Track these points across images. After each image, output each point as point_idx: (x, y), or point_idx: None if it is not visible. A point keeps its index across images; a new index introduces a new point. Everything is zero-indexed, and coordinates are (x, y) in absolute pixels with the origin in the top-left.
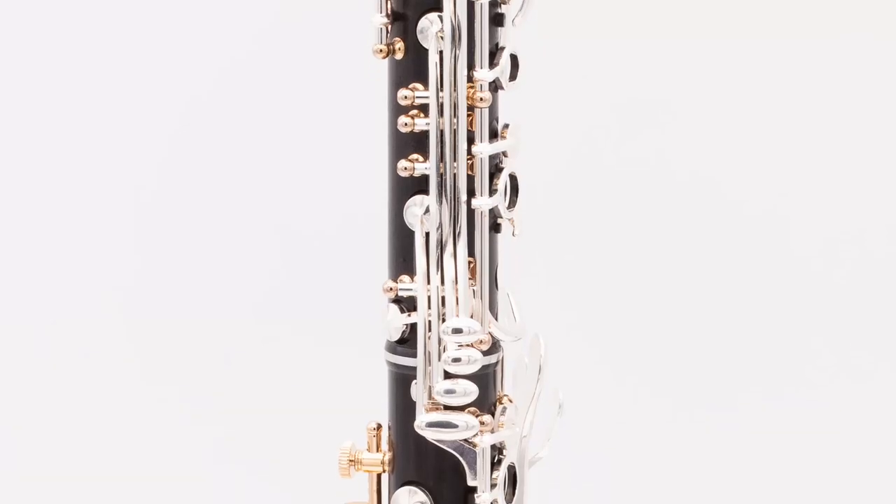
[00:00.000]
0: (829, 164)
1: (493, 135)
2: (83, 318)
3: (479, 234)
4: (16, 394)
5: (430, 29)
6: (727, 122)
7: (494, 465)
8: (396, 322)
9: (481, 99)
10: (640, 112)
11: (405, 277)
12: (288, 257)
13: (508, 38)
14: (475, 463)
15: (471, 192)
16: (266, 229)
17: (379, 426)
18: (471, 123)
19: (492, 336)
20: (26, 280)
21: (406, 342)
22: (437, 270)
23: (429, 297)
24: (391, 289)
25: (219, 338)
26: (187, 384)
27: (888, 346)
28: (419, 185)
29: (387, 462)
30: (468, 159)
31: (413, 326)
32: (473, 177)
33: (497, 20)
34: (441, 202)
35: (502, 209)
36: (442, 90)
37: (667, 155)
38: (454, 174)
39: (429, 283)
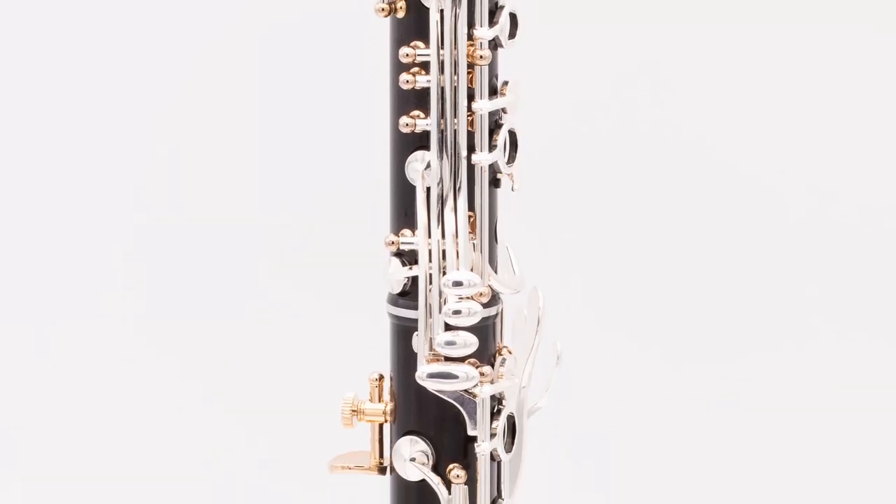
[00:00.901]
0: (824, 130)
1: (493, 92)
2: (79, 302)
3: (479, 189)
4: (15, 393)
5: None
6: (727, 80)
7: (494, 414)
8: (398, 275)
9: (481, 57)
10: (639, 70)
11: (406, 231)
12: (291, 213)
13: None
14: (475, 413)
15: (471, 148)
16: (270, 185)
17: (381, 377)
18: (471, 80)
19: (491, 289)
20: (20, 278)
21: (407, 295)
22: (438, 224)
23: (430, 251)
24: (393, 242)
25: (223, 291)
26: (193, 334)
27: (883, 303)
28: (420, 141)
29: (389, 412)
30: (468, 116)
31: (414, 279)
32: (473, 133)
33: None
34: (442, 158)
35: (502, 164)
36: (443, 48)
37: (667, 112)
38: (454, 130)
39: (430, 236)
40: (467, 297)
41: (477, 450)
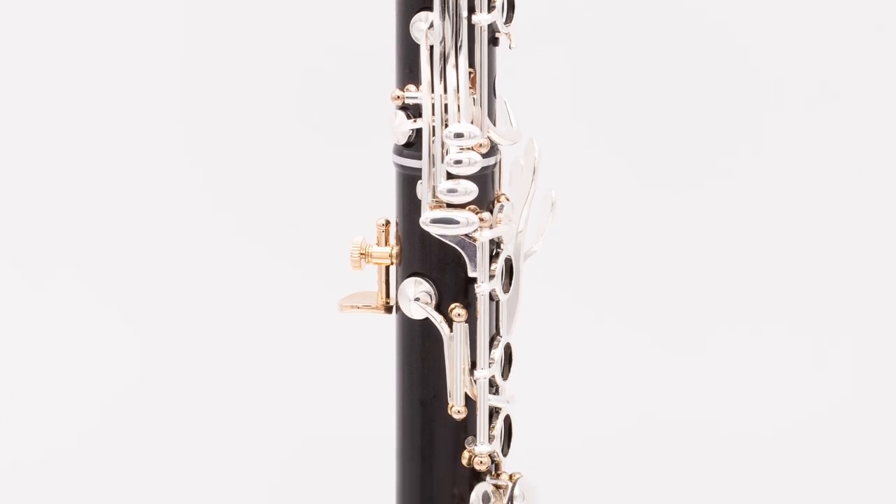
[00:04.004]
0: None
1: None
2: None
3: (479, 47)
4: (15, 391)
5: None
6: None
7: (493, 257)
8: (403, 127)
9: None
10: None
11: (411, 87)
12: (305, 71)
13: None
14: (475, 256)
15: (471, 9)
16: (288, 45)
17: (387, 222)
18: None
19: (490, 140)
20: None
21: (412, 146)
22: (441, 80)
23: (433, 105)
24: (398, 97)
25: (245, 141)
26: (213, 173)
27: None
28: (424, 3)
29: (394, 255)
30: None
31: (418, 131)
32: None
33: None
34: (444, 18)
35: (500, 24)
36: None
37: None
38: None
39: (433, 91)
40: (468, 148)
41: (477, 290)
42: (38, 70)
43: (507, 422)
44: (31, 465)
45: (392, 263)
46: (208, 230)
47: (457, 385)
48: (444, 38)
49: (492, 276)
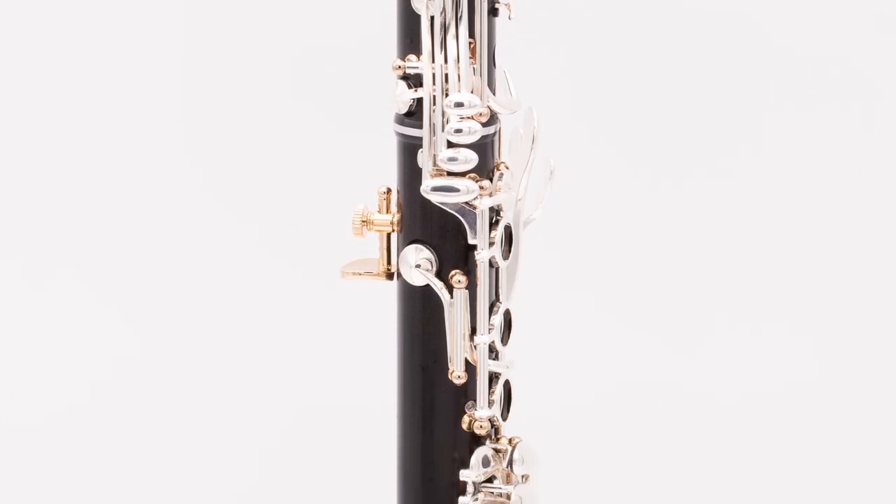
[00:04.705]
0: None
1: None
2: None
3: (479, 18)
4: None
5: None
6: None
7: (492, 225)
8: (404, 97)
9: None
10: None
11: (412, 57)
12: (304, 41)
13: None
14: (475, 223)
15: None
16: (285, 18)
17: (389, 190)
18: None
19: (490, 109)
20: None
21: (413, 115)
22: (441, 50)
23: (433, 75)
24: (400, 67)
25: (243, 115)
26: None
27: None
28: None
29: (396, 222)
30: None
31: (419, 101)
32: None
33: None
34: None
35: None
36: None
37: None
38: None
39: (433, 61)
40: (468, 117)
41: (477, 257)
42: (36, 65)
43: (507, 387)
44: (36, 439)
45: (393, 231)
46: (207, 199)
47: (457, 350)
48: (444, 9)
49: (491, 244)
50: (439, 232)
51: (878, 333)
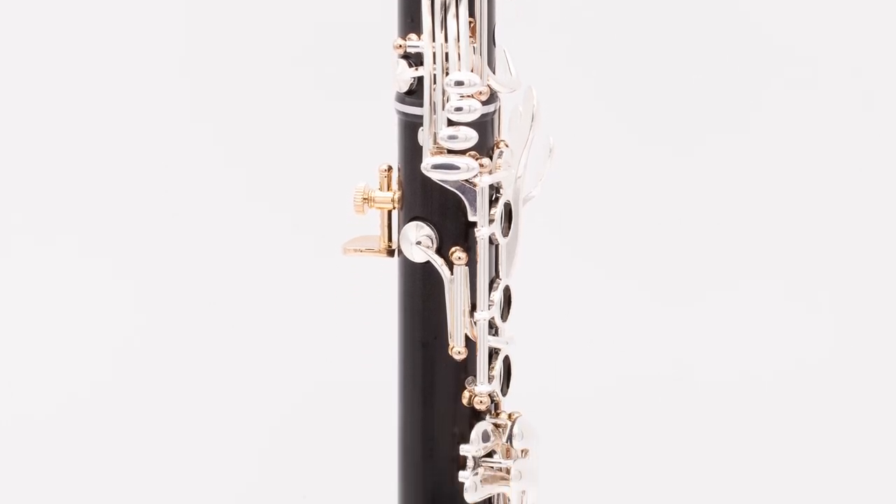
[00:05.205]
0: None
1: None
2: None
3: None
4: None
5: None
6: None
7: (492, 202)
8: (405, 75)
9: None
10: None
11: (413, 36)
12: (306, 21)
13: None
14: (475, 200)
15: None
16: (286, 2)
17: (390, 168)
18: None
19: (490, 88)
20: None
21: (413, 93)
22: (442, 29)
23: (434, 53)
24: (400, 46)
25: (241, 86)
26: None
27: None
28: None
29: (397, 200)
30: None
31: (420, 79)
32: None
33: None
34: None
35: None
36: None
37: None
38: None
39: (434, 40)
40: (468, 96)
41: (477, 234)
42: (38, 38)
43: (507, 362)
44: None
45: (394, 208)
46: (211, 176)
47: (457, 326)
48: None
49: (491, 221)
50: (440, 209)
51: (884, 309)
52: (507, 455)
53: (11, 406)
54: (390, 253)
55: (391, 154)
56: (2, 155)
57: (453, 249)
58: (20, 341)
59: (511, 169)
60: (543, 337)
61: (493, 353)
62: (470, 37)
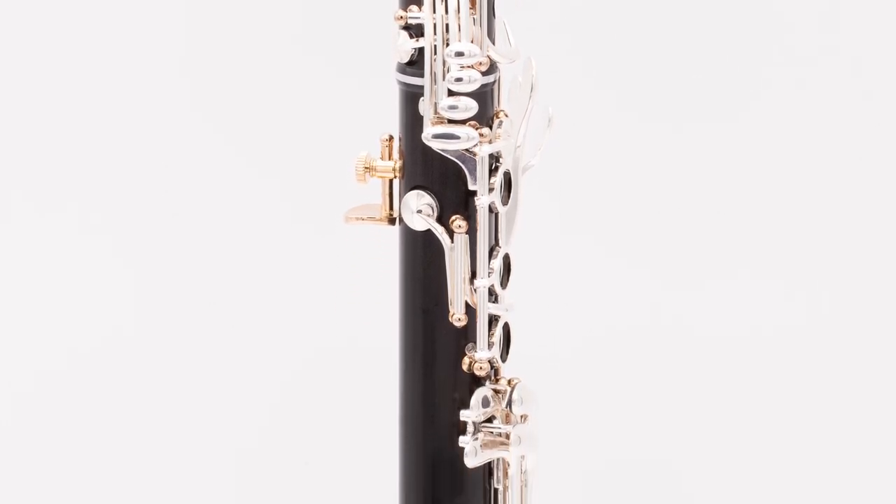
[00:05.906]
0: None
1: None
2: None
3: None
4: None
5: None
6: None
7: (492, 171)
8: (406, 46)
9: None
10: None
11: (413, 7)
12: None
13: None
14: (475, 170)
15: None
16: None
17: (391, 137)
18: None
19: (490, 58)
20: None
21: (414, 64)
22: (442, 1)
23: (434, 25)
24: (401, 17)
25: (249, 61)
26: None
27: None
28: None
29: (398, 169)
30: None
31: (420, 50)
32: None
33: None
34: None
35: None
36: None
37: None
38: None
39: (434, 11)
40: (468, 66)
41: (477, 202)
42: (40, 41)
43: (506, 329)
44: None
45: (395, 177)
46: (212, 144)
47: (457, 294)
48: None
49: (491, 189)
50: (440, 178)
51: (873, 280)
52: (507, 420)
53: (4, 393)
54: (391, 221)
55: (392, 124)
56: (2, 155)
57: (453, 218)
58: (20, 336)
59: (510, 138)
60: (543, 304)
61: (492, 320)
62: (470, 8)
